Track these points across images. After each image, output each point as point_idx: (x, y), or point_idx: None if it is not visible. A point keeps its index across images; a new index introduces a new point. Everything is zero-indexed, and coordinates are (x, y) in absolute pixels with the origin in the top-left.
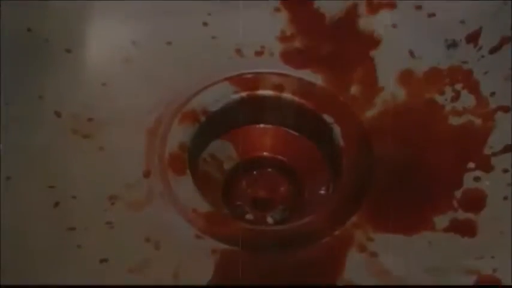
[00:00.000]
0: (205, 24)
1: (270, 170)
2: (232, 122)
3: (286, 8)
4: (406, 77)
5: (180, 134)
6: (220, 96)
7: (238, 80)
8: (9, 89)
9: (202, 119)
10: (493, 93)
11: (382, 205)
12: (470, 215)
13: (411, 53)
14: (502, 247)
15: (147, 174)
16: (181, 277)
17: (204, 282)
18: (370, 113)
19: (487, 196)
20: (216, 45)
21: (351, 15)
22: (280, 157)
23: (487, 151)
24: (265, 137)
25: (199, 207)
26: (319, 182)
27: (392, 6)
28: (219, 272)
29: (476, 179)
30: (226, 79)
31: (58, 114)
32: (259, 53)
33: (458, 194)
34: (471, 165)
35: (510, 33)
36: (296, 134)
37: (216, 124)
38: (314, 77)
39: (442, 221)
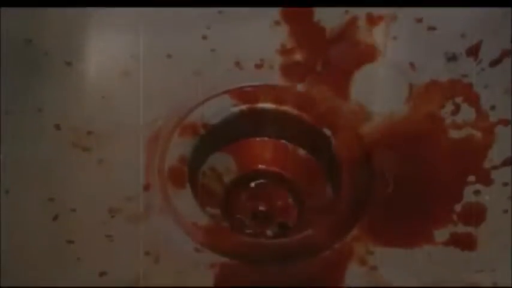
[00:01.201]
0: (204, 37)
1: (269, 182)
2: (232, 135)
3: (286, 21)
4: (406, 90)
5: (179, 147)
6: (220, 109)
7: (238, 93)
8: (9, 101)
9: (202, 132)
10: (493, 107)
11: (382, 218)
12: (470, 229)
13: (411, 66)
14: (502, 261)
15: (146, 187)
16: None
17: None
18: (369, 126)
19: (487, 209)
20: (216, 58)
21: (351, 28)
22: (279, 170)
23: (487, 164)
24: (264, 150)
25: (198, 220)
26: (318, 195)
27: (392, 18)
28: (219, 285)
29: (476, 192)
30: (225, 92)
31: (57, 127)
32: (258, 66)
33: (458, 207)
34: (471, 178)
35: (510, 46)
36: (295, 147)
37: (215, 137)
38: (314, 90)
39: (442, 234)
